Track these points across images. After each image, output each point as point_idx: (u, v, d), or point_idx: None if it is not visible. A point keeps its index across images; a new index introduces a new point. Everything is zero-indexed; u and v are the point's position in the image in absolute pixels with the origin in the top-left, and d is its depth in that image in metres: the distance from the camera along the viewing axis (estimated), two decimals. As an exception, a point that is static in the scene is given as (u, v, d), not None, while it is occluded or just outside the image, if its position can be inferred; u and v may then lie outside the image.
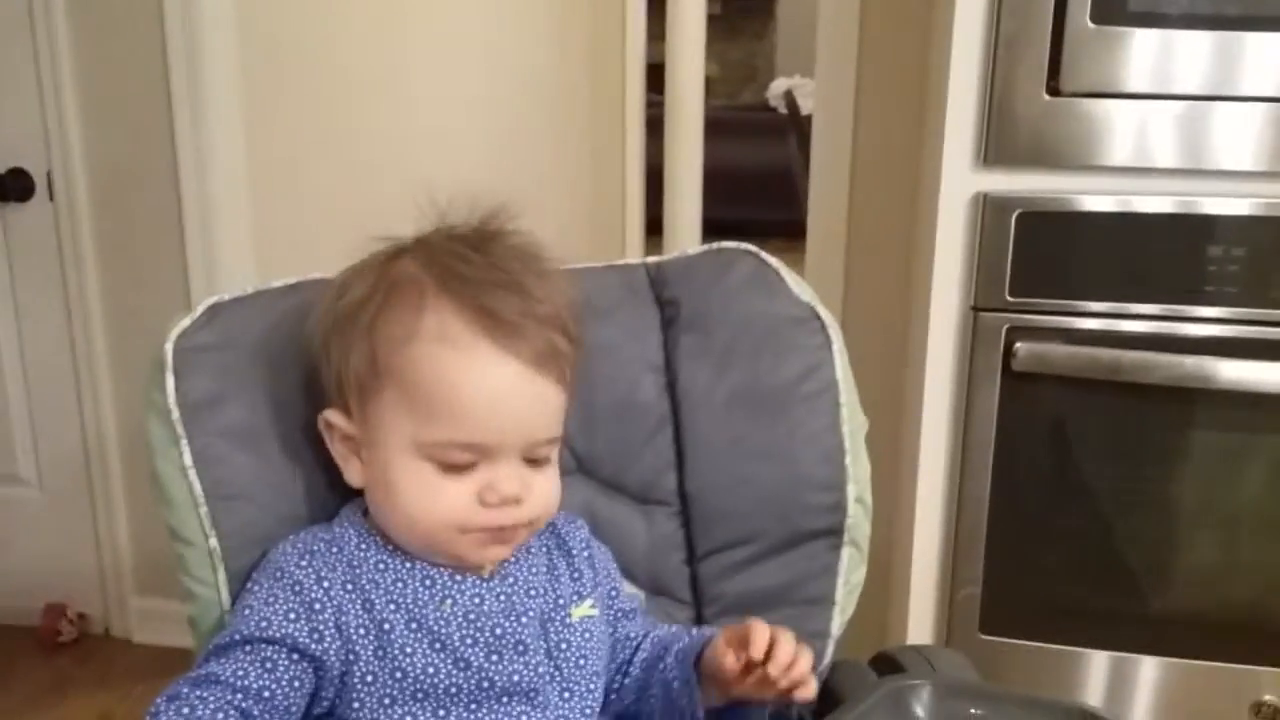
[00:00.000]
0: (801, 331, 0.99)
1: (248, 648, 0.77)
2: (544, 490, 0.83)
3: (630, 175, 2.65)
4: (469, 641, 0.81)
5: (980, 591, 1.54)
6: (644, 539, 0.98)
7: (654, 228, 2.75)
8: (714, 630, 0.87)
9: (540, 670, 0.82)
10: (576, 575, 0.89)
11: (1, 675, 2.11)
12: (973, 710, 0.78)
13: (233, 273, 2.03)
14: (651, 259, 1.05)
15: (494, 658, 0.81)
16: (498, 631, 0.82)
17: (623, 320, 1.00)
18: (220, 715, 0.73)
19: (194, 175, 2.00)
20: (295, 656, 0.77)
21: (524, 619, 0.83)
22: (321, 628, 0.79)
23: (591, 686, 0.86)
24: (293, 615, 0.78)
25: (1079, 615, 1.57)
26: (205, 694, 0.74)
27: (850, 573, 0.99)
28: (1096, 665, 1.55)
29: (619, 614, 0.92)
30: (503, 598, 0.84)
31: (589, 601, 0.88)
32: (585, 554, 0.91)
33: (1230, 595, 1.55)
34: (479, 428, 0.79)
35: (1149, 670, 1.54)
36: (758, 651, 0.78)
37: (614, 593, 0.92)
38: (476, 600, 0.83)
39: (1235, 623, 1.55)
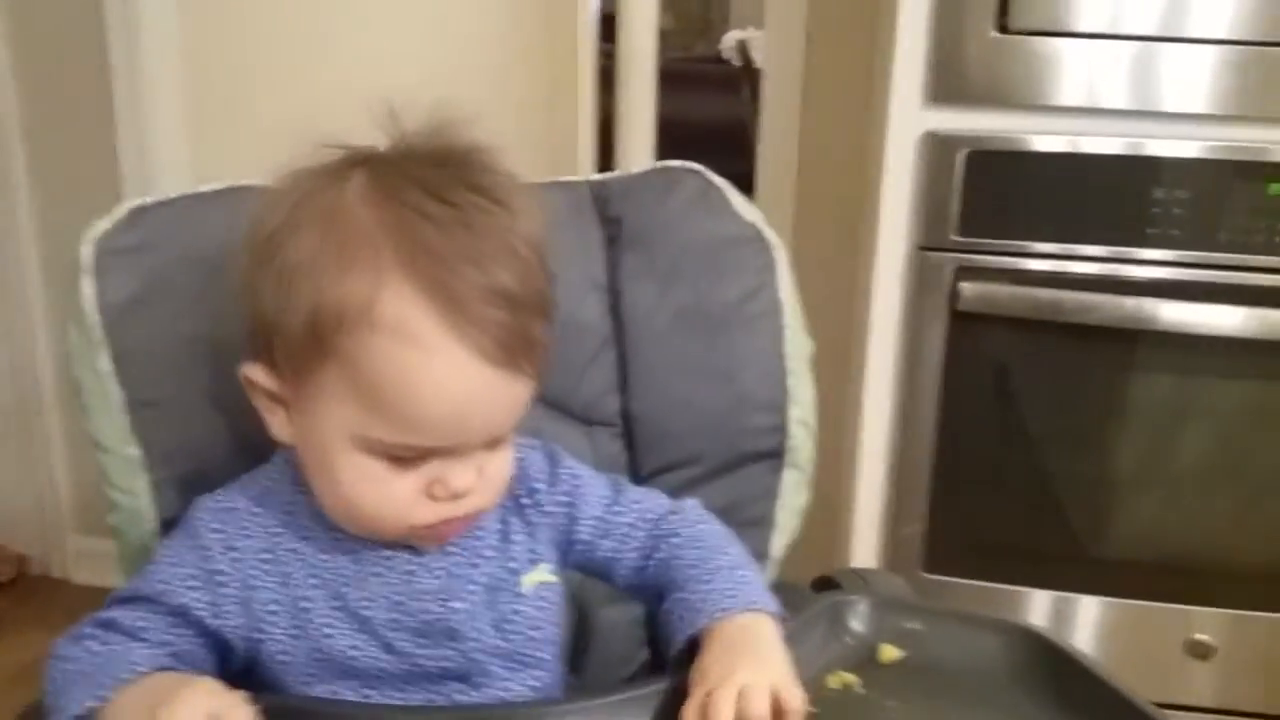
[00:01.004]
0: (746, 252, 0.97)
1: (147, 605, 0.73)
2: (498, 471, 0.75)
3: (582, 126, 2.61)
4: (394, 626, 0.75)
5: (923, 529, 1.54)
6: (588, 460, 0.94)
7: (605, 178, 2.72)
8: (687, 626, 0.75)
9: (475, 656, 0.77)
10: (531, 533, 0.81)
11: (-64, 617, 2.06)
12: (909, 625, 0.77)
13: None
14: (595, 176, 1.02)
15: (423, 641, 0.75)
16: (426, 618, 0.75)
17: (565, 239, 0.96)
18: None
19: (129, 99, 1.96)
20: (192, 621, 0.73)
21: (456, 603, 0.76)
22: (221, 600, 0.73)
23: (544, 656, 0.80)
24: (193, 583, 0.73)
25: (1020, 555, 1.59)
26: (107, 636, 0.70)
27: (792, 495, 0.97)
28: (1037, 604, 1.57)
29: (594, 537, 0.83)
30: (440, 574, 0.77)
31: (545, 565, 0.81)
32: (546, 500, 0.82)
33: (1168, 536, 1.57)
34: (437, 434, 0.69)
35: (1088, 609, 1.56)
36: None
37: (575, 521, 0.83)
38: (407, 578, 0.76)
39: (1172, 563, 1.57)
